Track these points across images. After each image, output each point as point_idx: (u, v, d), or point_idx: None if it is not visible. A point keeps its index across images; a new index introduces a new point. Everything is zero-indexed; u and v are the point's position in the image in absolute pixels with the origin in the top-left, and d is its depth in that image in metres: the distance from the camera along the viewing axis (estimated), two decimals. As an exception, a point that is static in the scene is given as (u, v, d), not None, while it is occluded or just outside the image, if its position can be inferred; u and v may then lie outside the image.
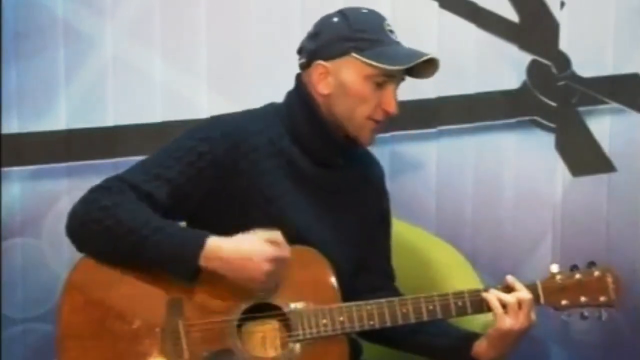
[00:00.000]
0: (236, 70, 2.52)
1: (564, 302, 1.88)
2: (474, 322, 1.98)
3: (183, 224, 1.92)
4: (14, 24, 2.45)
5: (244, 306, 1.82)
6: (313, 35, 1.92)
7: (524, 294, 1.86)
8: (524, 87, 2.61)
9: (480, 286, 2.19)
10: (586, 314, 1.89)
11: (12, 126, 2.49)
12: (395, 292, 2.04)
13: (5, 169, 2.50)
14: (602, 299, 1.88)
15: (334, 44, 1.88)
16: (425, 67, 1.89)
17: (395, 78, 1.89)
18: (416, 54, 1.88)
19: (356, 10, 1.93)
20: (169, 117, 2.51)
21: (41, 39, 2.47)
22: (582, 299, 1.88)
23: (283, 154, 1.91)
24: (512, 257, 2.64)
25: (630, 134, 2.64)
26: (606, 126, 2.64)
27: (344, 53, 1.87)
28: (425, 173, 2.60)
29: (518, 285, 1.88)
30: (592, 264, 1.91)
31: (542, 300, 1.88)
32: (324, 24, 1.93)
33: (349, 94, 1.88)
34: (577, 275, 1.89)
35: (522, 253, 2.65)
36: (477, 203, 2.63)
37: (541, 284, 1.89)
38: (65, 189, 2.50)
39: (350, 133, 1.91)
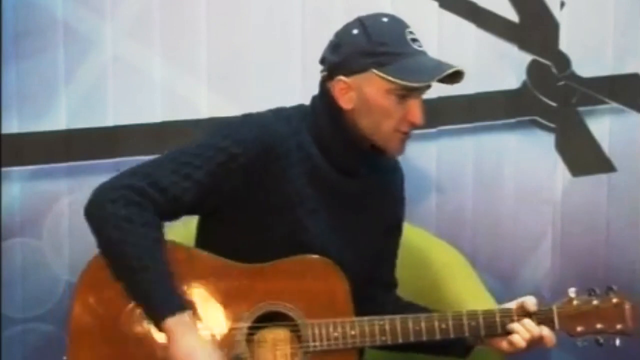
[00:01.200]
0: (236, 70, 2.52)
1: (579, 328, 1.84)
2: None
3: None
4: (14, 24, 2.45)
5: (256, 314, 1.81)
6: (334, 47, 1.88)
7: (549, 338, 1.84)
8: (524, 87, 2.60)
9: (480, 286, 2.20)
10: (601, 340, 1.84)
11: (12, 126, 2.49)
12: (395, 301, 2.04)
13: (5, 169, 2.50)
14: (618, 326, 1.84)
15: (354, 60, 1.84)
16: (450, 75, 1.86)
17: (420, 90, 1.86)
18: (439, 66, 1.84)
19: (376, 20, 1.88)
20: (169, 117, 2.51)
21: (41, 39, 2.47)
22: (598, 325, 1.84)
23: (310, 160, 1.88)
24: (512, 257, 2.64)
25: (630, 134, 2.64)
26: (606, 126, 2.64)
27: (364, 69, 1.83)
28: (425, 173, 2.59)
29: (545, 331, 1.85)
30: (610, 289, 1.86)
31: (556, 325, 1.85)
32: (344, 35, 1.88)
33: (372, 109, 1.85)
34: (595, 302, 1.84)
35: (522, 253, 2.65)
36: (477, 203, 2.62)
37: (557, 309, 1.85)
38: (65, 189, 2.51)
39: (379, 145, 1.88)
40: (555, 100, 2.61)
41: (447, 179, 2.61)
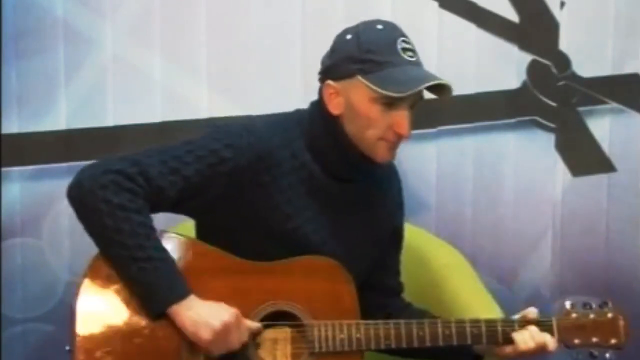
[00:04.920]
0: (236, 70, 2.52)
1: (576, 340, 1.87)
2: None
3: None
4: (14, 24, 2.45)
5: (263, 312, 1.81)
6: (330, 51, 1.88)
7: (551, 344, 1.85)
8: (524, 87, 2.60)
9: (479, 286, 2.21)
10: (595, 353, 1.87)
11: (12, 126, 2.49)
12: (400, 306, 2.04)
13: (5, 169, 2.50)
14: (612, 341, 1.88)
15: (343, 65, 1.83)
16: (440, 89, 1.83)
17: (406, 100, 1.83)
18: (423, 78, 1.81)
19: (371, 27, 1.86)
20: (169, 117, 2.51)
21: (41, 39, 2.47)
22: (594, 339, 1.87)
23: (304, 168, 1.88)
24: (512, 257, 2.64)
25: (630, 134, 2.64)
26: (606, 126, 2.64)
27: (350, 75, 1.82)
28: (425, 173, 2.59)
29: (548, 337, 1.86)
30: (605, 304, 1.90)
31: (555, 337, 1.87)
32: (339, 40, 1.88)
33: (357, 115, 1.83)
34: (592, 315, 1.88)
35: (522, 253, 2.65)
36: (477, 203, 2.62)
37: (557, 321, 1.88)
38: (65, 189, 2.50)
39: (365, 152, 1.87)
40: (555, 100, 2.62)
41: (447, 179, 2.61)
